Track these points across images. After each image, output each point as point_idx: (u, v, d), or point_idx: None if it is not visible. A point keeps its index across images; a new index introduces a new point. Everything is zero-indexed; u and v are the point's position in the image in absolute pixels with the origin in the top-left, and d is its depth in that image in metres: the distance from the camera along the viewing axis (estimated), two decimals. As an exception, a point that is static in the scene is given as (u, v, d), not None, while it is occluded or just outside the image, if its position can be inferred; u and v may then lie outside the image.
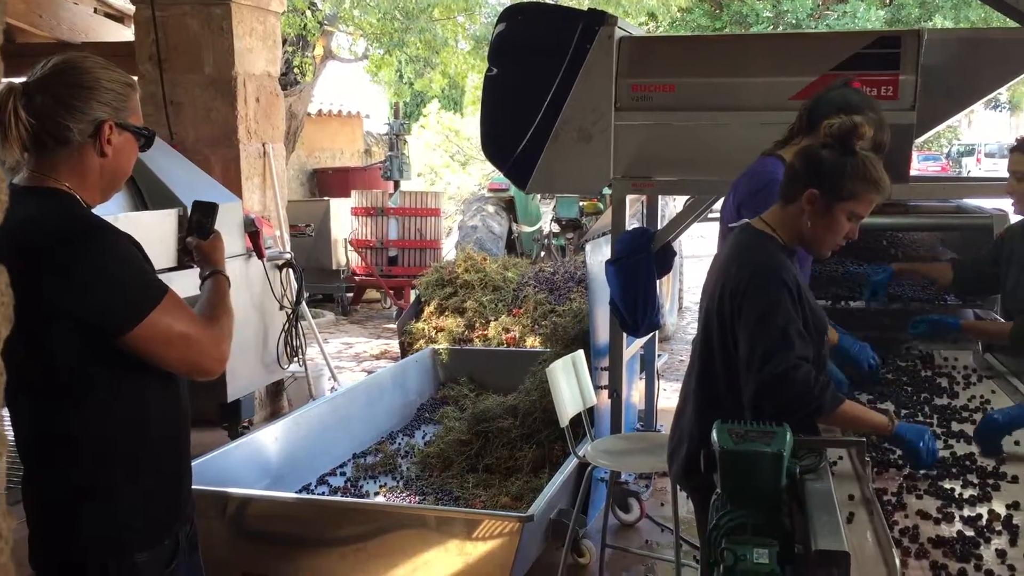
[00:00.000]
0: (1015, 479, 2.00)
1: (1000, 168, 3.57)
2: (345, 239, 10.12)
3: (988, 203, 4.15)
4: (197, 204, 2.19)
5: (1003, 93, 32.31)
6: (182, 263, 2.23)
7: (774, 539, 1.72)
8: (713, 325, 2.28)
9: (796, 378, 2.05)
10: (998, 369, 2.95)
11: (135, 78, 2.56)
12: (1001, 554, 1.66)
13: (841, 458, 2.15)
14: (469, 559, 3.44)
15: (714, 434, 1.88)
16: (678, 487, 2.89)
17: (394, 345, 7.92)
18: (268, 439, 4.46)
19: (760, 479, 1.80)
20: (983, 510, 1.85)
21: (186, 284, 2.18)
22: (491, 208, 10.12)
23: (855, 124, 2.26)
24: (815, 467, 1.95)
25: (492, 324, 6.68)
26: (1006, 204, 3.89)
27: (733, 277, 2.23)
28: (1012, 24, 4.21)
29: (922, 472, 2.09)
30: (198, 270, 2.14)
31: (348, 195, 10.46)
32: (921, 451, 2.07)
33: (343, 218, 10.22)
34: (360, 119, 15.51)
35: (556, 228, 10.02)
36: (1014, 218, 3.50)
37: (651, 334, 4.73)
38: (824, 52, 3.56)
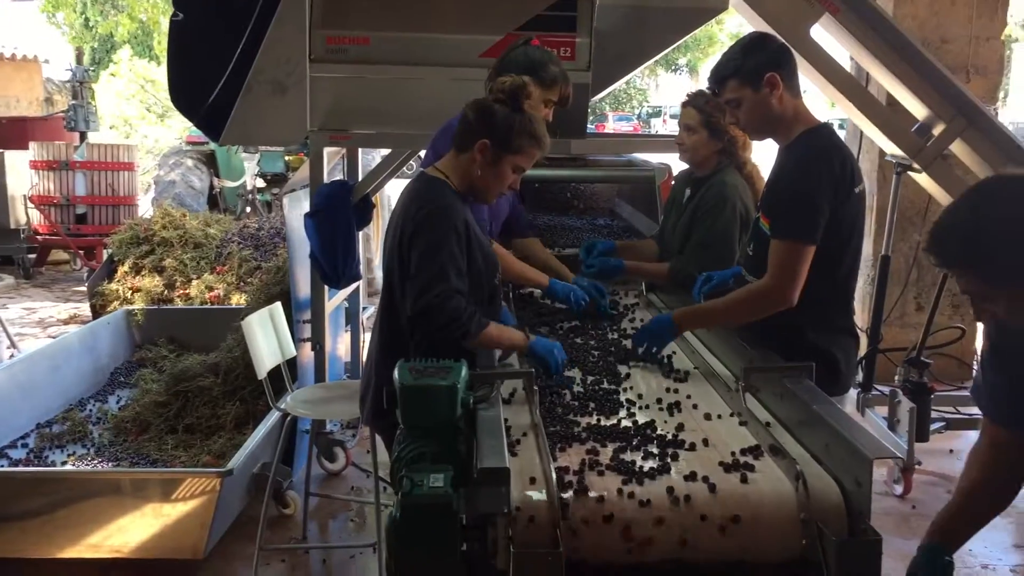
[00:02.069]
0: (692, 446, 2.01)
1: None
2: (24, 195, 9.27)
3: (655, 158, 4.59)
4: None
5: (682, 57, 35.33)
6: None
7: (450, 465, 1.85)
8: (394, 266, 2.40)
9: (448, 307, 2.28)
10: (658, 306, 3.29)
11: None
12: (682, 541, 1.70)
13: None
14: (167, 520, 3.36)
15: (396, 372, 1.99)
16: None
17: (85, 309, 7.40)
18: (-69, 414, 4.05)
19: (436, 411, 1.93)
20: (662, 485, 1.81)
21: None
22: (191, 162, 9.66)
23: (524, 83, 2.47)
24: (487, 397, 2.12)
25: (195, 283, 6.45)
26: (670, 158, 4.32)
27: (409, 219, 2.36)
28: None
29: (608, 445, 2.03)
30: None
31: (26, 147, 9.57)
32: (551, 362, 2.38)
33: (21, 172, 9.38)
34: (38, 64, 14.11)
35: (261, 183, 9.77)
36: (676, 171, 3.88)
37: (354, 286, 4.79)
38: (509, 12, 3.73)
